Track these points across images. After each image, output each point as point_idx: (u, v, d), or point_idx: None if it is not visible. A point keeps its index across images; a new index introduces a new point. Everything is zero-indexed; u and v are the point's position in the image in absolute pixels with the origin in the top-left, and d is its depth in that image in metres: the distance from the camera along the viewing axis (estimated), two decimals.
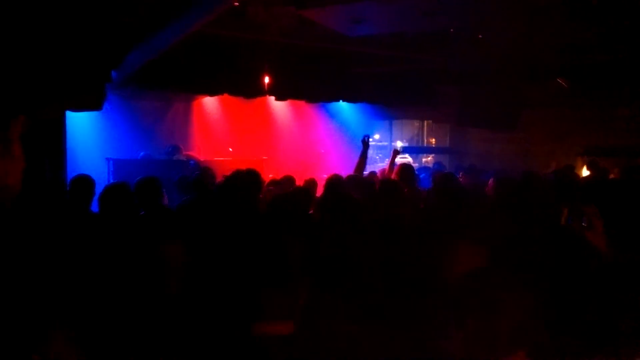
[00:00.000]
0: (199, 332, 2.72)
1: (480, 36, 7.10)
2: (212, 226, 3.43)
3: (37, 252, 2.61)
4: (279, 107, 10.76)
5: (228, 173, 4.19)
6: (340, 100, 10.65)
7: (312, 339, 2.78)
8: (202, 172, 5.60)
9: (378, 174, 6.40)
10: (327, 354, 2.70)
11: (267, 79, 8.46)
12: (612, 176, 7.47)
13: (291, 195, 4.17)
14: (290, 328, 2.92)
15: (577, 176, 7.89)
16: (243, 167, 7.05)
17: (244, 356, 2.81)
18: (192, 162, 8.03)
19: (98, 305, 2.53)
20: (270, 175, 7.04)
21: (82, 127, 8.07)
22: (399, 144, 13.93)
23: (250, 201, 3.90)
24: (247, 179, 3.93)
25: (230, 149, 9.94)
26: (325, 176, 5.22)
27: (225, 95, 9.30)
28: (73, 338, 2.03)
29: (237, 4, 5.69)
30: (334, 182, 4.79)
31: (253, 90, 8.74)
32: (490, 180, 5.23)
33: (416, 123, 14.73)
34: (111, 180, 7.11)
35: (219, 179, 5.34)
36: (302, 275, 3.14)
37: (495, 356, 2.63)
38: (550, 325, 2.68)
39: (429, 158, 13.25)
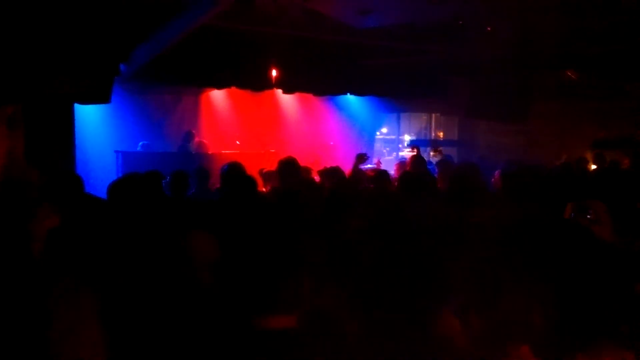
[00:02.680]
0: (203, 326, 2.72)
1: (488, 29, 7.06)
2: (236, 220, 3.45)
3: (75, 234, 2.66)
4: (286, 100, 10.76)
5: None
6: (348, 94, 10.64)
7: (316, 333, 2.78)
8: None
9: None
10: (330, 348, 2.70)
11: (274, 72, 8.46)
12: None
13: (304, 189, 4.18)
14: (292, 322, 2.90)
15: (586, 169, 7.82)
16: (250, 159, 7.08)
17: (247, 350, 2.80)
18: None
19: (120, 286, 2.56)
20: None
21: (92, 120, 8.13)
22: (407, 138, 13.91)
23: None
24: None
25: (238, 142, 9.96)
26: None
27: (233, 89, 9.32)
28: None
29: None
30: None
31: (261, 83, 8.76)
32: (496, 173, 5.18)
33: (424, 116, 14.66)
34: (120, 173, 7.18)
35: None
36: (311, 268, 3.13)
37: (499, 350, 2.63)
38: (555, 320, 2.68)
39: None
